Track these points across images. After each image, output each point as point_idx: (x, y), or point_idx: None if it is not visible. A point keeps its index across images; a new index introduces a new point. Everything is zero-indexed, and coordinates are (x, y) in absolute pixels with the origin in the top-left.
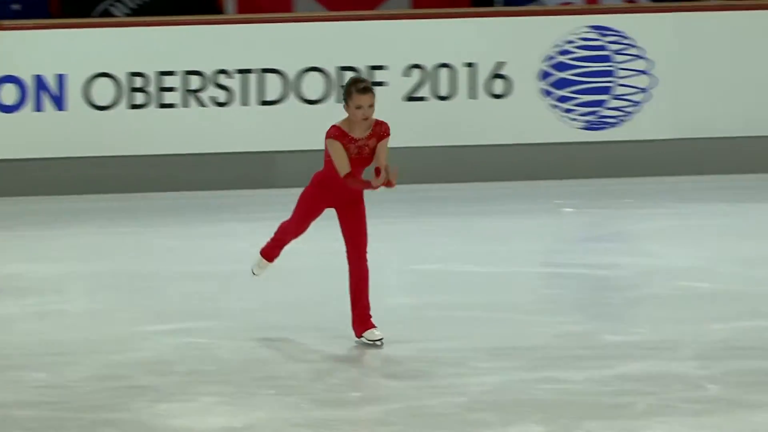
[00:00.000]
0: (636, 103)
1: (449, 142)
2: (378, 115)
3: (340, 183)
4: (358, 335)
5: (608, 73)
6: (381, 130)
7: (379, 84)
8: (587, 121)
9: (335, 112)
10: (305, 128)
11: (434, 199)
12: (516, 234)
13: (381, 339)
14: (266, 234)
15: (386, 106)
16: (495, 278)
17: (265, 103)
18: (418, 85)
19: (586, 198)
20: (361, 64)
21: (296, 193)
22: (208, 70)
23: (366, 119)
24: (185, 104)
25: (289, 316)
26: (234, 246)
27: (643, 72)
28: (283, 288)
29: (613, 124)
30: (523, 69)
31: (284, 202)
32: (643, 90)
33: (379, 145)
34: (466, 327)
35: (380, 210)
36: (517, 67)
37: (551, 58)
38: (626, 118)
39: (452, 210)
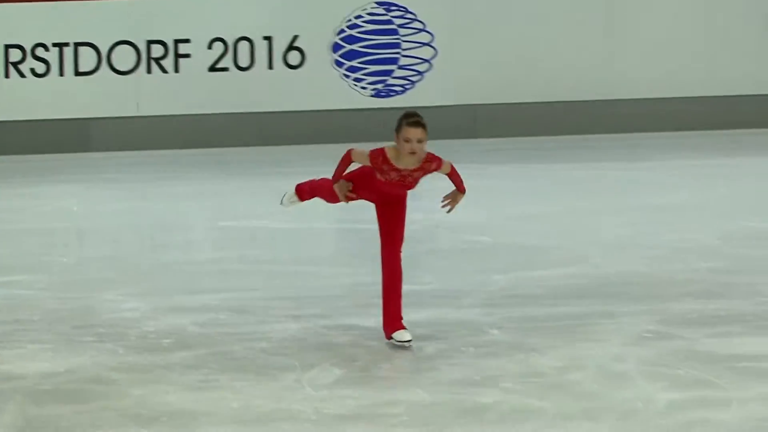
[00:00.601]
0: (419, 73)
1: (249, 109)
2: (183, 84)
3: (385, 183)
4: (388, 336)
5: (394, 46)
6: (430, 168)
7: (186, 56)
8: (375, 90)
9: (143, 82)
10: (117, 97)
11: (237, 162)
12: None
13: (410, 340)
14: (84, 194)
15: (191, 76)
16: (296, 234)
17: (79, 74)
18: (221, 57)
19: None
20: (168, 37)
21: (111, 156)
22: (27, 44)
23: (413, 153)
24: (6, 75)
25: (107, 270)
26: (54, 205)
27: (425, 44)
28: (102, 244)
29: (399, 92)
30: (317, 42)
31: (98, 165)
32: (425, 61)
33: (449, 176)
34: (269, 279)
35: (189, 171)
36: (310, 40)
37: (342, 31)
38: (410, 86)
39: (254, 171)
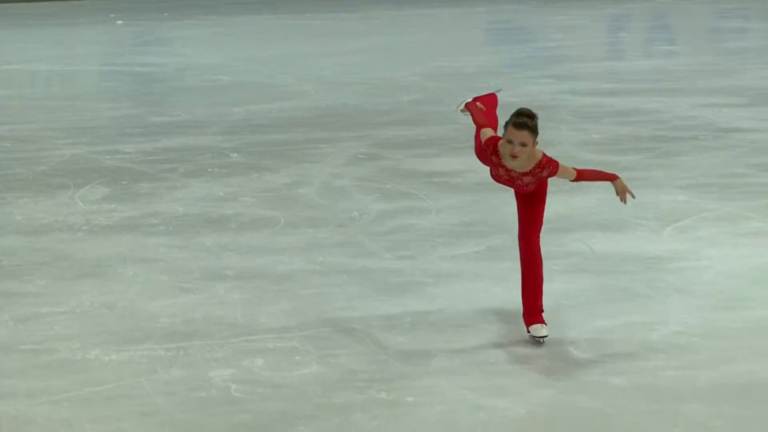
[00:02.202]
0: None
1: None
2: None
3: (496, 177)
4: (527, 327)
5: None
6: (542, 174)
7: None
8: None
9: None
10: None
11: (20, 15)
12: (80, 41)
13: (545, 336)
14: None
15: None
16: (67, 75)
17: None
18: None
19: (134, 12)
20: None
21: None
22: None
23: (514, 158)
24: None
25: None
26: None
27: None
28: None
29: None
30: None
31: None
32: None
33: (579, 180)
34: (47, 113)
35: None
36: None
37: None
38: None
39: (31, 22)
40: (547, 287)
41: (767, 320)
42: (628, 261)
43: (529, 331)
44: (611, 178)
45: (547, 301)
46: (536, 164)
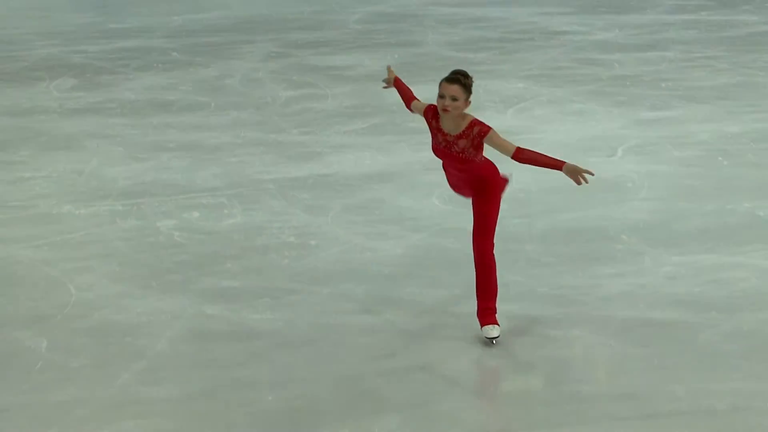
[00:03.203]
0: None
1: None
2: None
3: (437, 149)
4: (480, 327)
5: None
6: (473, 133)
7: None
8: None
9: None
10: None
11: None
12: None
13: (496, 337)
14: None
15: None
16: None
17: None
18: None
19: None
20: None
21: None
22: None
23: (445, 111)
24: None
25: None
26: None
27: None
28: None
29: None
30: None
31: None
32: None
33: (492, 145)
34: (24, 20)
35: None
36: None
37: None
38: None
39: None
40: None
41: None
42: None
43: (482, 331)
44: (558, 166)
45: None
46: (467, 125)
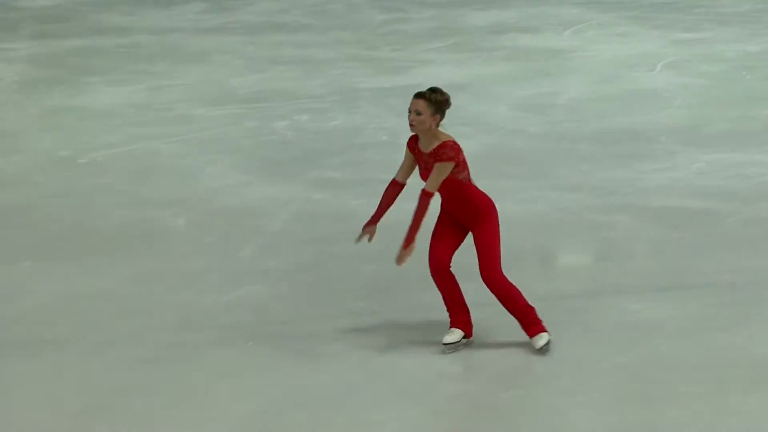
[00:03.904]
0: None
1: None
2: None
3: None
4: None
5: None
6: (437, 153)
7: None
8: None
9: None
10: None
11: None
12: None
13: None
14: None
15: None
16: None
17: None
18: None
19: None
20: None
21: None
22: None
23: (411, 125)
24: None
25: None
26: None
27: None
28: None
29: None
30: None
31: None
32: None
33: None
34: None
35: None
36: None
37: None
38: None
39: None
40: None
41: (634, 90)
42: (541, 52)
43: (531, 342)
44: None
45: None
46: (439, 145)
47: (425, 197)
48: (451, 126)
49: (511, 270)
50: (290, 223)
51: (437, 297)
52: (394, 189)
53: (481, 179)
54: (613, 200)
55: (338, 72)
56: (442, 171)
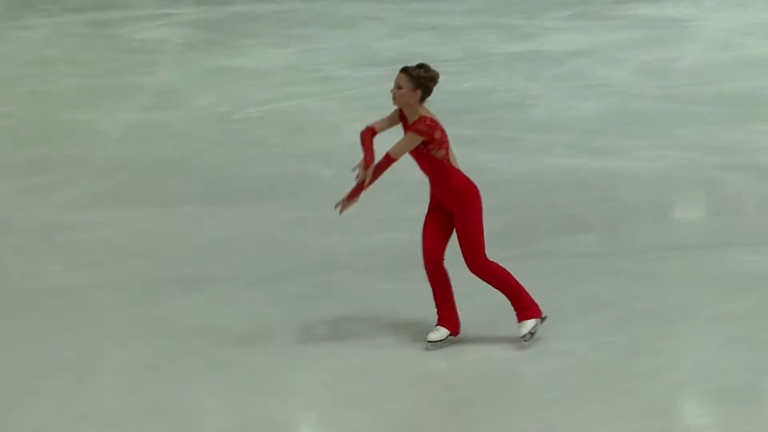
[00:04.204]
0: None
1: None
2: None
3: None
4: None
5: None
6: (413, 125)
7: None
8: None
9: None
10: None
11: None
12: None
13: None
14: None
15: None
16: None
17: None
18: None
19: None
20: None
21: None
22: None
23: (393, 99)
24: None
25: None
26: None
27: None
28: None
29: None
30: None
31: None
32: None
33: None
34: None
35: None
36: None
37: None
38: None
39: None
40: None
41: (748, 56)
42: (660, 21)
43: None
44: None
45: None
46: (417, 119)
47: (386, 160)
48: (575, 88)
49: (629, 224)
50: None
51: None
52: (370, 133)
53: (603, 139)
54: (727, 159)
55: (472, 38)
56: (409, 141)
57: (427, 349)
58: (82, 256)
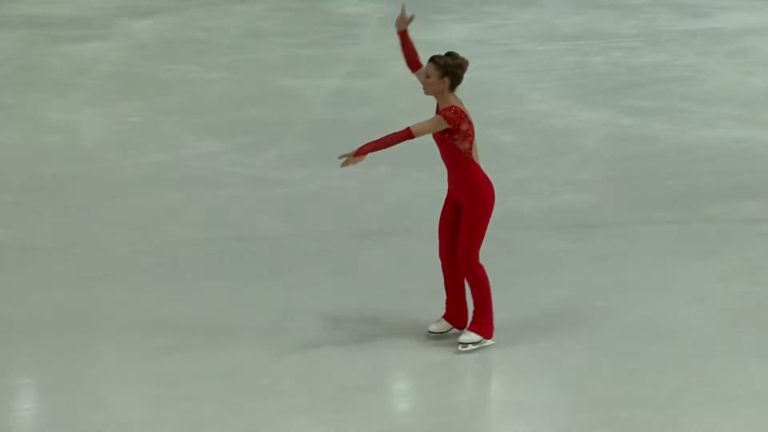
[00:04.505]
0: None
1: None
2: None
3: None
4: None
5: None
6: (442, 111)
7: None
8: None
9: None
10: None
11: None
12: None
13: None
14: None
15: None
16: None
17: None
18: None
19: None
20: None
21: None
22: None
23: (424, 89)
24: None
25: None
26: None
27: None
28: None
29: None
30: None
31: None
32: None
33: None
34: None
35: None
36: None
37: None
38: None
39: None
40: None
41: None
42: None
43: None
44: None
45: None
46: (447, 107)
47: (405, 133)
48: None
49: None
50: (603, 142)
51: None
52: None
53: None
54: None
55: (649, 16)
56: (434, 123)
57: (428, 337)
58: (286, 209)
